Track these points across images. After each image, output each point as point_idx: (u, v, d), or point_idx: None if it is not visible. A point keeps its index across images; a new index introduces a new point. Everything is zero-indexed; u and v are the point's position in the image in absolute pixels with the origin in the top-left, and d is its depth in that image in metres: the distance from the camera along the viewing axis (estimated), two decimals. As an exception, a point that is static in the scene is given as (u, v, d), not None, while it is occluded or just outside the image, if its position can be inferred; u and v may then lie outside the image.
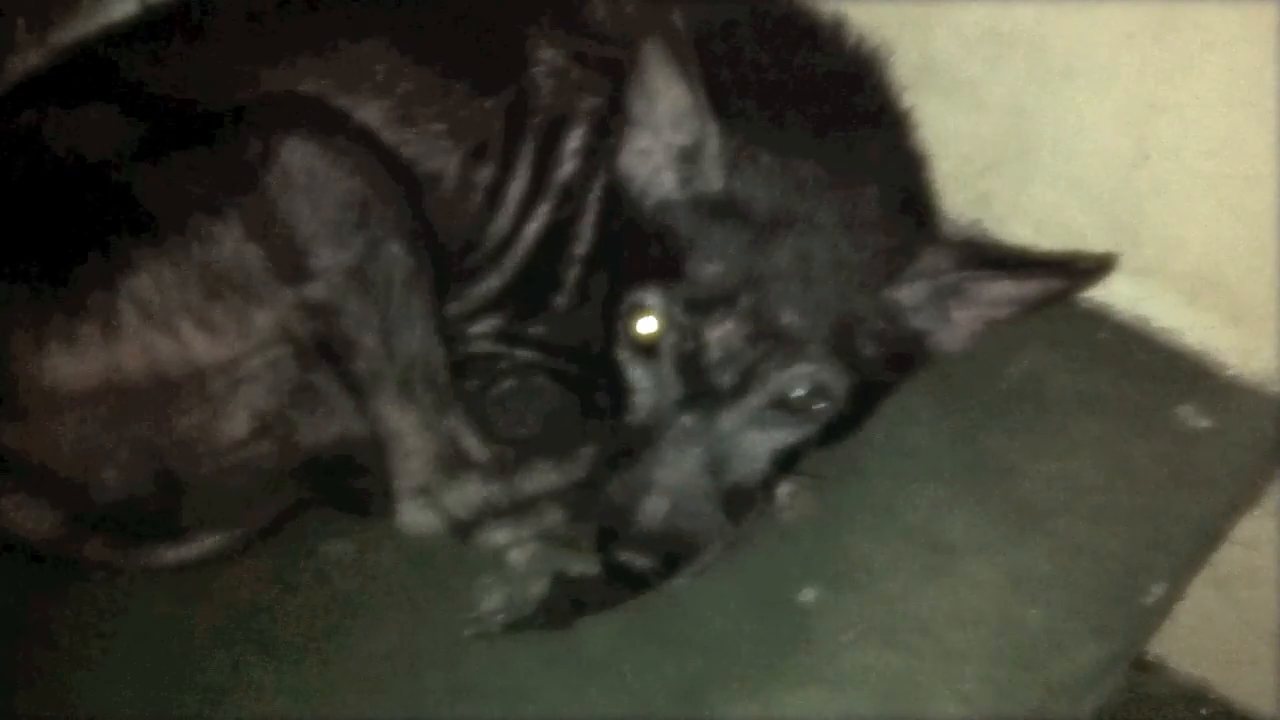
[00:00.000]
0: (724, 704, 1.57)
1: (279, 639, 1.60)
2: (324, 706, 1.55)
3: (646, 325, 1.56)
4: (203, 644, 1.60)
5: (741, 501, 1.59)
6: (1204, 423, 1.87)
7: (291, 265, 1.59)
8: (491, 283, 1.82)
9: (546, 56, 1.82)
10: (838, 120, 1.75)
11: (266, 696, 1.56)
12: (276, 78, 1.74)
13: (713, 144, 1.58)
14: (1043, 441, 1.85)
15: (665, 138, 1.61)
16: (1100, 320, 2.00)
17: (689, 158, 1.60)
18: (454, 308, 1.79)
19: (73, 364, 1.55)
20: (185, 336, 1.57)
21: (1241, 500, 1.85)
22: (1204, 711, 2.26)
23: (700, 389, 1.54)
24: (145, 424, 1.58)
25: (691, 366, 1.53)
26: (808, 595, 1.66)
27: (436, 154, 1.78)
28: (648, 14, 1.77)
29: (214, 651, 1.59)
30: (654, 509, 1.51)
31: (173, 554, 1.63)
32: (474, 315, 1.82)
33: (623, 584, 1.58)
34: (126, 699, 1.55)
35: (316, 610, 1.63)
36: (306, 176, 1.59)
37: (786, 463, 1.61)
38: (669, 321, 1.54)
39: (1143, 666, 2.24)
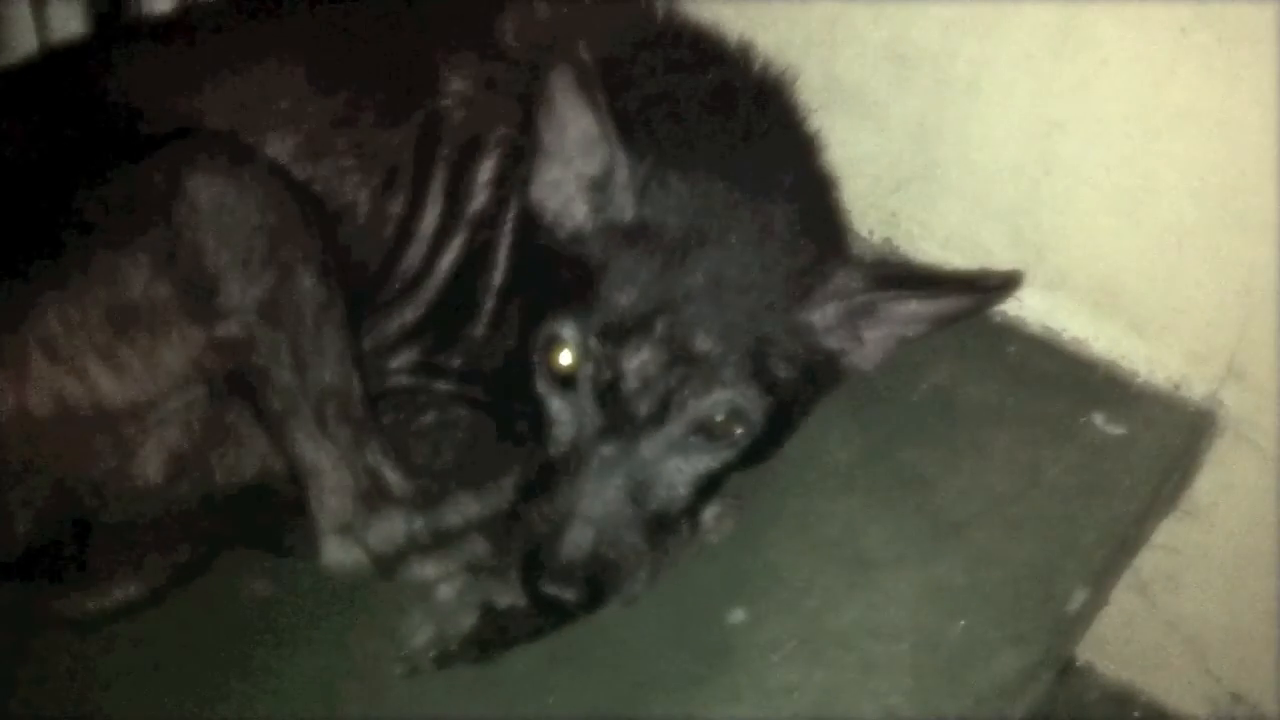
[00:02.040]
0: (652, 728, 1.57)
1: (198, 680, 1.57)
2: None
3: (563, 357, 1.56)
4: (118, 689, 1.56)
5: (665, 528, 1.59)
6: (1115, 430, 1.90)
7: (201, 302, 1.56)
8: (407, 315, 1.81)
9: (457, 86, 1.82)
10: (746, 142, 1.77)
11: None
12: (186, 108, 1.72)
13: (622, 173, 1.59)
14: (956, 453, 1.87)
15: (575, 167, 1.62)
16: (1010, 333, 2.04)
17: (599, 187, 1.61)
18: (370, 341, 1.77)
19: None
20: (94, 378, 1.54)
21: (1156, 505, 1.89)
22: (1135, 714, 2.29)
23: (620, 418, 1.54)
24: (55, 468, 1.55)
25: (610, 396, 1.54)
26: (736, 616, 1.67)
27: (347, 186, 1.77)
28: (556, 40, 1.79)
29: (129, 697, 1.55)
30: (578, 540, 1.51)
31: (87, 603, 1.58)
32: (391, 348, 1.81)
33: (550, 616, 1.57)
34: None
35: (236, 652, 1.60)
36: (214, 211, 1.57)
37: (709, 487, 1.62)
38: (585, 353, 1.54)
39: (1071, 672, 2.27)
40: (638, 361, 1.53)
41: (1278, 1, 1.70)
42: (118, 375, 1.55)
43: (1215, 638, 2.15)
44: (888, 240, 2.17)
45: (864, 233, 2.14)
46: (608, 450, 1.54)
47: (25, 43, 2.05)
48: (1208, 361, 1.95)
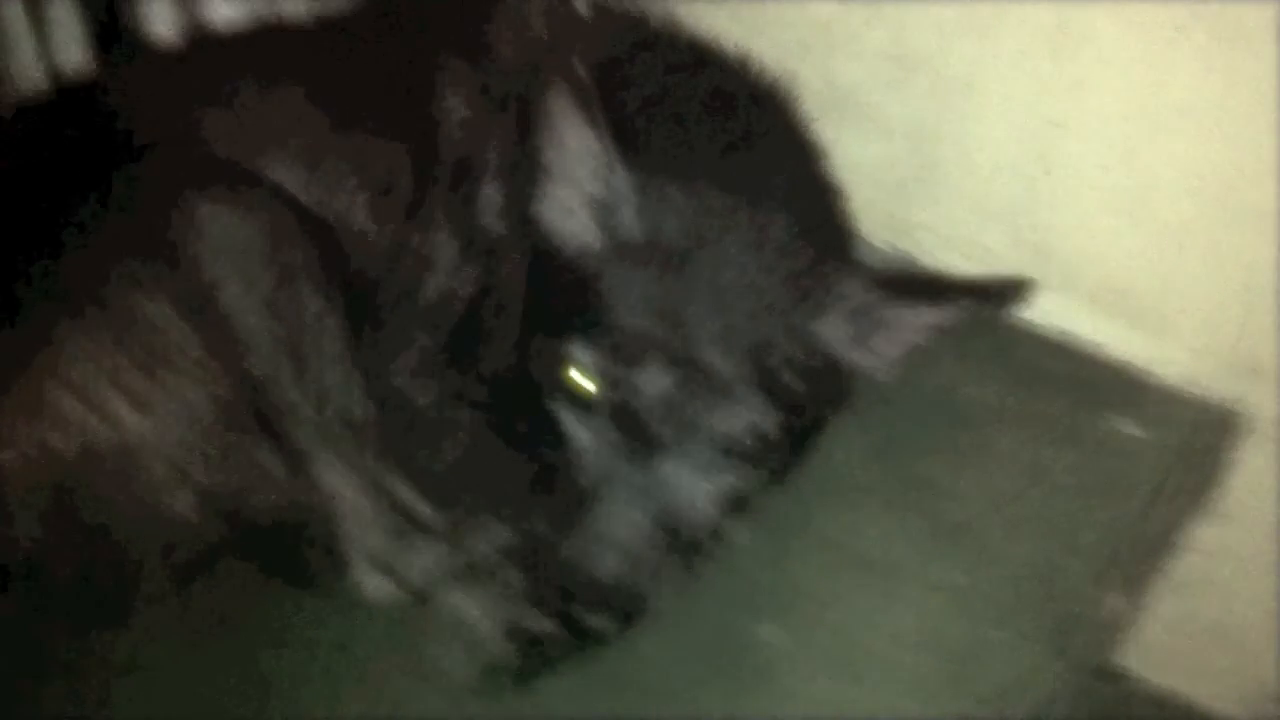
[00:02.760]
0: (688, 750, 1.57)
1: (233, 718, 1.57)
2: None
3: (579, 380, 1.56)
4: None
5: (692, 548, 1.60)
6: (1132, 431, 1.90)
7: (220, 337, 1.56)
8: (425, 342, 1.80)
9: (458, 108, 1.81)
10: (749, 153, 1.77)
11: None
12: (193, 143, 1.71)
13: (625, 191, 1.58)
14: (972, 459, 1.87)
15: (579, 187, 1.62)
16: (1021, 336, 2.04)
17: (603, 205, 1.61)
18: (390, 370, 1.76)
19: (9, 454, 1.50)
20: (117, 415, 1.53)
21: (1182, 506, 1.89)
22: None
23: (638, 438, 1.54)
24: (83, 507, 1.54)
25: (627, 417, 1.54)
26: (765, 631, 1.66)
27: (355, 214, 1.76)
28: (552, 51, 1.78)
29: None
30: (605, 564, 1.52)
31: (119, 638, 1.57)
32: (412, 377, 1.80)
33: (583, 641, 1.57)
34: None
35: (272, 687, 1.59)
36: (228, 245, 1.57)
37: (733, 504, 1.62)
38: (599, 373, 1.54)
39: (1109, 677, 2.25)
40: (651, 381, 1.53)
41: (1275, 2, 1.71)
42: (139, 410, 1.53)
43: (1256, 640, 2.16)
44: (890, 243, 2.16)
45: (869, 237, 2.13)
46: (628, 471, 1.54)
47: (33, 79, 2.02)
48: (1222, 360, 1.96)
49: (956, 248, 2.11)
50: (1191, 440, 1.91)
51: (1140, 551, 1.79)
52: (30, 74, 2.01)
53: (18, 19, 1.99)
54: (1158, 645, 2.18)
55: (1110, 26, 1.87)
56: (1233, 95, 1.81)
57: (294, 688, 1.58)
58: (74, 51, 2.03)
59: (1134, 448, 1.88)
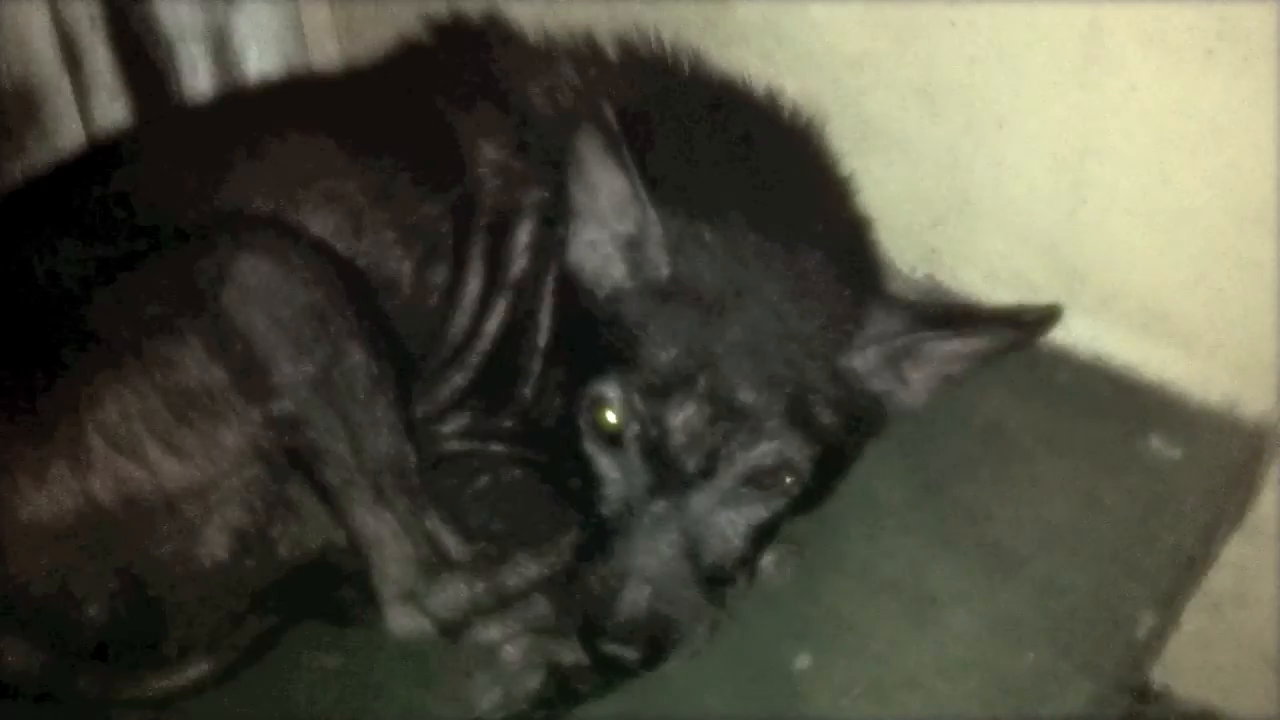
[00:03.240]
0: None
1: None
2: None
3: (609, 417, 1.57)
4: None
5: (722, 581, 1.60)
6: (1171, 453, 1.89)
7: (255, 382, 1.59)
8: (456, 381, 1.83)
9: (490, 155, 1.85)
10: (779, 191, 1.78)
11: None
12: (227, 194, 1.76)
13: (655, 231, 1.60)
14: (1013, 485, 1.86)
15: (610, 228, 1.64)
16: (1059, 361, 2.03)
17: (635, 246, 1.63)
18: (421, 409, 1.79)
19: (45, 499, 1.55)
20: (155, 462, 1.57)
21: (1219, 524, 1.87)
22: (1212, 735, 2.27)
23: (668, 474, 1.55)
24: (123, 553, 1.58)
25: (657, 453, 1.55)
26: (802, 662, 1.66)
27: (389, 260, 1.80)
28: (584, 102, 1.81)
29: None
30: (635, 598, 1.52)
31: (162, 682, 1.60)
32: (442, 415, 1.83)
33: (611, 674, 1.58)
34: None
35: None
36: (263, 292, 1.61)
37: (763, 536, 1.62)
38: (630, 412, 1.56)
39: (1148, 696, 2.24)
40: (682, 418, 1.54)
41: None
42: (177, 457, 1.58)
43: None
44: (929, 276, 2.17)
45: (905, 270, 2.14)
46: (659, 507, 1.55)
47: (70, 131, 2.09)
48: (1259, 378, 1.93)
49: (997, 278, 2.10)
50: (1229, 460, 1.88)
51: (1181, 571, 1.75)
52: (69, 128, 2.07)
53: (56, 74, 2.05)
54: (1193, 662, 2.14)
55: (1138, 53, 1.86)
56: (1266, 114, 1.79)
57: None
58: (113, 108, 2.09)
59: (1174, 470, 1.86)
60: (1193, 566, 1.80)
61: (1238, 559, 1.97)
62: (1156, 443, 1.89)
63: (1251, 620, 2.13)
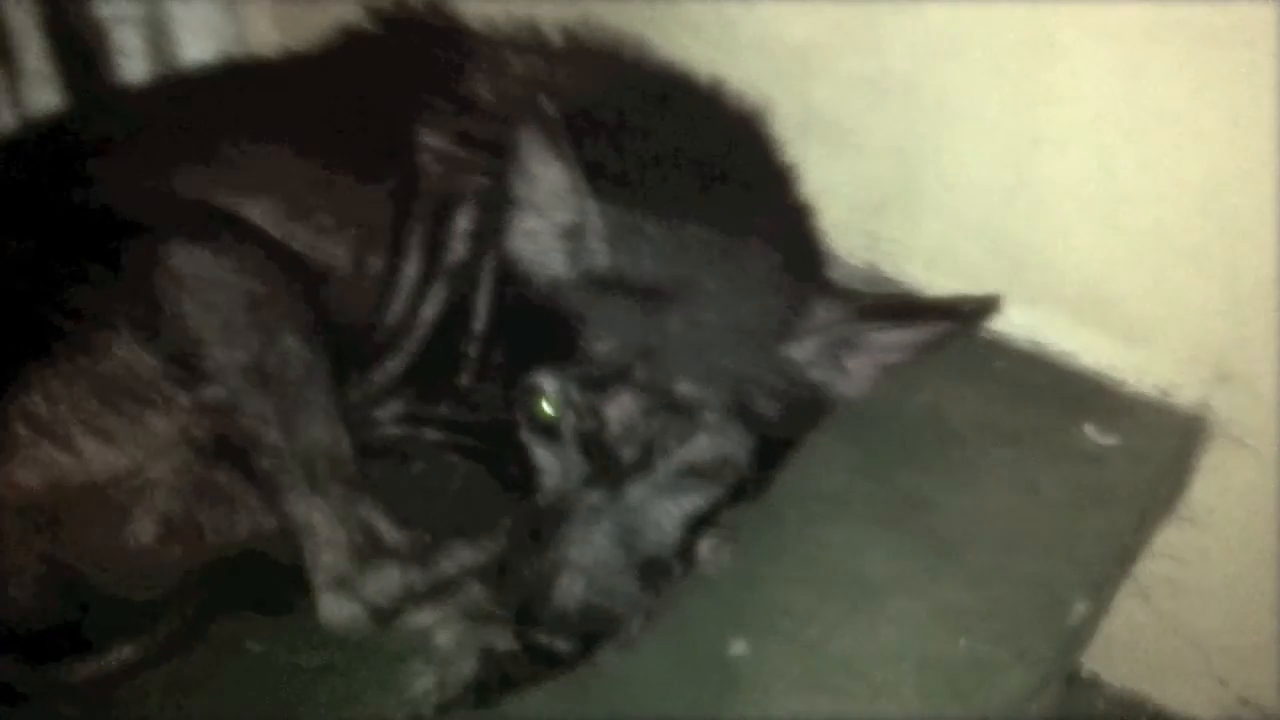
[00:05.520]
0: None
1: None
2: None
3: (545, 408, 1.57)
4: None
5: (658, 571, 1.59)
6: (1107, 440, 1.90)
7: (186, 369, 1.59)
8: (393, 366, 1.83)
9: (432, 142, 1.84)
10: (721, 181, 1.78)
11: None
12: (163, 179, 1.74)
13: (594, 221, 1.60)
14: (950, 473, 1.87)
15: (549, 217, 1.64)
16: (997, 349, 2.04)
17: (573, 236, 1.63)
18: (358, 394, 1.78)
19: None
20: (82, 449, 1.56)
21: (1153, 513, 1.88)
22: (1143, 722, 2.29)
23: (605, 465, 1.55)
24: (49, 539, 1.56)
25: (594, 444, 1.55)
26: (738, 648, 1.66)
27: (327, 245, 1.79)
28: (525, 91, 1.81)
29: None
30: (569, 588, 1.51)
31: (86, 669, 1.58)
32: (378, 399, 1.82)
33: (545, 664, 1.57)
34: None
35: (242, 712, 1.60)
36: (194, 278, 1.60)
37: (700, 526, 1.62)
38: (566, 403, 1.56)
39: (1077, 682, 2.25)
40: (619, 410, 1.54)
41: (1243, 5, 1.71)
42: (105, 443, 1.56)
43: (1220, 642, 2.14)
44: (870, 264, 2.17)
45: (846, 257, 2.14)
46: (594, 498, 1.55)
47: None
48: (1196, 366, 1.95)
49: (938, 266, 2.11)
50: (1163, 448, 1.89)
51: (1114, 558, 1.76)
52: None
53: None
54: (1122, 649, 2.16)
55: (1081, 39, 1.87)
56: (1208, 100, 1.80)
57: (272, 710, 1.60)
58: (46, 94, 2.07)
59: (1110, 457, 1.87)
60: (1125, 554, 1.81)
61: (1169, 547, 1.98)
62: (1092, 430, 1.90)
63: (1184, 608, 2.14)
